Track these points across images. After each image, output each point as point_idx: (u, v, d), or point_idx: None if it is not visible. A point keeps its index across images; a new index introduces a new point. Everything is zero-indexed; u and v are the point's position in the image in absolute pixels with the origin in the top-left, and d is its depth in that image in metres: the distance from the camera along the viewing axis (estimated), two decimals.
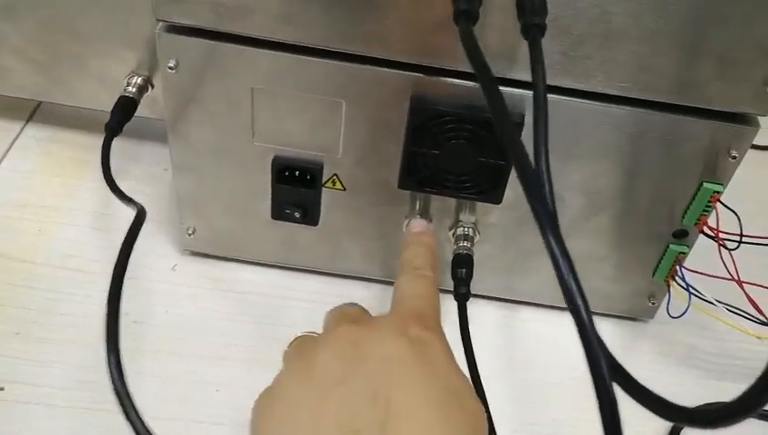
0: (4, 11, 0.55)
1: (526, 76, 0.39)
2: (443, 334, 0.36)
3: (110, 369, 0.37)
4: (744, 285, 0.47)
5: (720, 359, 0.55)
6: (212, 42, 0.43)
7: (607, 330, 0.56)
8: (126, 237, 0.46)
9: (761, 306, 0.49)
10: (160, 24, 0.43)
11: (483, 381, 0.47)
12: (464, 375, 0.34)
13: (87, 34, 0.56)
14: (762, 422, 0.51)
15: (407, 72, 0.43)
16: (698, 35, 0.40)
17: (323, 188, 0.49)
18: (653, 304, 0.55)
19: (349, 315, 0.37)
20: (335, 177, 0.48)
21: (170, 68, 0.44)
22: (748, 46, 0.40)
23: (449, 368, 0.34)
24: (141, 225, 0.48)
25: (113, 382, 0.37)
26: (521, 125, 0.43)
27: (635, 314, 0.56)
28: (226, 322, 0.52)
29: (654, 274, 0.53)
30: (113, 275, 0.42)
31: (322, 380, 0.31)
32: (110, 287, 0.41)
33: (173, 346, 0.51)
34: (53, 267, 0.54)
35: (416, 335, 0.34)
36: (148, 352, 0.50)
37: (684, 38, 0.40)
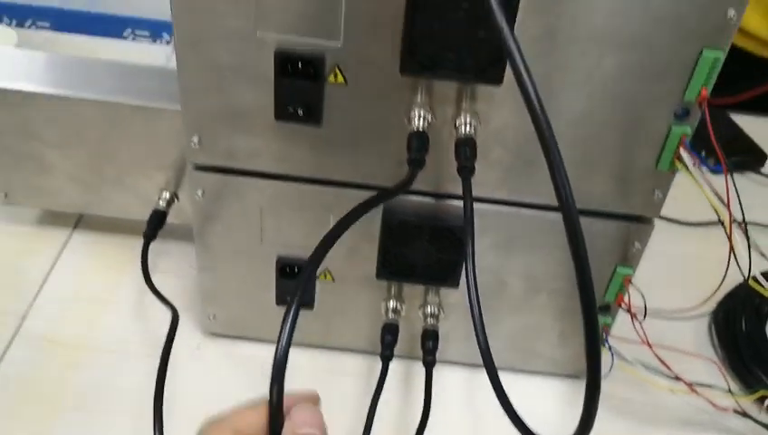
0: (58, 145, 0.69)
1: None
2: None
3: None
4: (653, 347, 0.60)
5: (649, 409, 0.67)
6: (228, 176, 0.56)
7: (553, 388, 0.68)
8: (166, 341, 0.59)
9: (669, 364, 0.61)
10: (191, 163, 0.56)
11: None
12: None
13: (124, 160, 0.70)
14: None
15: None
16: (597, 162, 0.54)
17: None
18: None
19: None
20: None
21: (198, 196, 0.57)
22: (635, 168, 0.54)
23: None
24: (176, 328, 0.61)
25: None
26: None
27: (577, 374, 0.68)
28: (243, 392, 0.64)
29: None
30: (158, 375, 0.55)
31: None
32: (156, 384, 0.54)
33: (198, 414, 0.63)
34: (101, 351, 0.67)
35: None
36: (176, 419, 0.62)
37: (589, 164, 0.54)
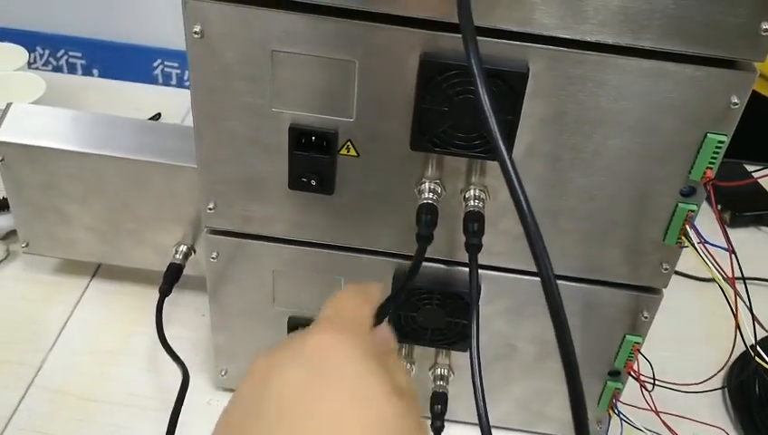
0: (79, 199, 0.71)
1: None
2: (353, 334, 0.35)
3: None
4: (661, 414, 0.60)
5: None
6: (243, 240, 0.58)
7: None
8: (176, 402, 0.61)
9: (679, 432, 0.61)
10: (206, 227, 0.58)
11: None
12: (372, 374, 0.33)
13: (143, 214, 0.71)
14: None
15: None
16: (607, 235, 0.54)
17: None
18: (600, 427, 0.67)
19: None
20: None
21: (213, 258, 0.59)
22: (643, 242, 0.54)
23: (349, 374, 0.33)
24: (187, 387, 0.63)
25: None
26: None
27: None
28: None
29: (598, 404, 0.65)
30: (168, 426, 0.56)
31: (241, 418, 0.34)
32: None
33: None
34: (112, 404, 0.68)
35: (313, 348, 0.34)
36: None
37: (599, 237, 0.54)
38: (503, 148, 0.35)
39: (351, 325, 0.37)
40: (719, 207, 0.95)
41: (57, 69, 2.60)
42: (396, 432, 0.32)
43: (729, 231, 0.94)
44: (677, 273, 0.70)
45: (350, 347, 0.34)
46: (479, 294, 0.57)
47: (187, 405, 0.68)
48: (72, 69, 2.64)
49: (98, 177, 0.69)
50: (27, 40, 2.64)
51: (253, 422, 0.32)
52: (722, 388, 0.74)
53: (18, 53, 0.95)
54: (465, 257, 0.55)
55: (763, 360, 0.53)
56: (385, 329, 0.41)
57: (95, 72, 2.60)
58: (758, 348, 0.52)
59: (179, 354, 0.68)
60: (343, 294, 0.41)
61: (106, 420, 0.66)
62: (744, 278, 0.51)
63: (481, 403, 0.45)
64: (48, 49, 2.65)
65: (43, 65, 2.61)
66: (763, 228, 0.96)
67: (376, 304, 0.41)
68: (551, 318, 0.37)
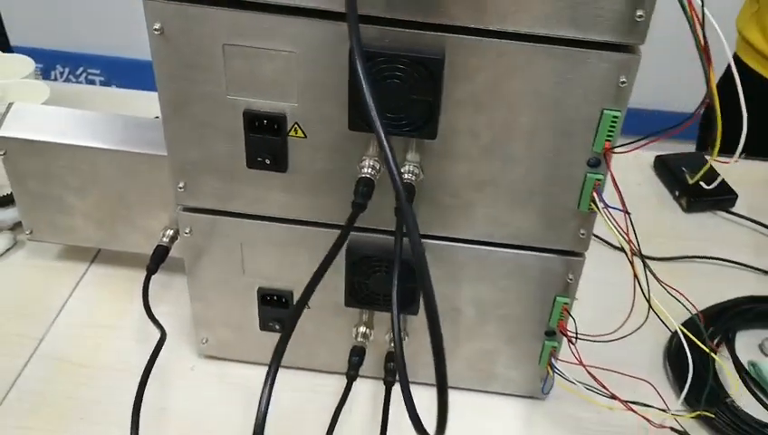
0: (76, 189, 0.79)
1: None
2: None
3: None
4: (588, 368, 0.67)
5: (598, 426, 0.74)
6: (212, 216, 0.66)
7: (511, 407, 0.75)
8: (150, 357, 0.70)
9: (608, 385, 0.68)
10: (179, 205, 0.65)
11: None
12: None
13: (133, 201, 0.79)
14: None
15: None
16: (529, 203, 0.62)
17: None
18: (544, 384, 0.74)
19: None
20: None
21: (186, 233, 0.67)
22: (561, 209, 0.61)
23: None
24: (162, 344, 0.72)
25: None
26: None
27: (532, 394, 0.75)
28: (231, 409, 0.73)
29: (539, 362, 0.72)
30: (138, 389, 0.67)
31: None
32: (135, 398, 0.65)
33: (191, 427, 0.71)
34: (107, 369, 0.76)
35: None
36: (171, 432, 0.70)
37: (522, 205, 0.62)
38: (377, 121, 0.42)
39: None
40: (676, 192, 1.02)
41: None
42: None
43: (687, 216, 1.02)
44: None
45: None
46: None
47: (173, 371, 0.76)
48: (90, 85, 2.75)
49: (91, 168, 0.77)
50: (48, 58, 2.76)
51: None
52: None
53: (25, 63, 1.04)
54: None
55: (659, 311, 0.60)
56: None
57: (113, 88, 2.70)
58: (654, 300, 0.59)
59: (168, 328, 0.76)
60: None
61: (100, 383, 0.74)
62: (636, 238, 0.57)
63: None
64: (68, 67, 2.77)
65: (64, 82, 2.73)
66: (719, 213, 1.02)
67: None
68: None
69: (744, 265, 0.94)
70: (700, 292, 0.85)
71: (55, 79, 2.72)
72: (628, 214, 0.56)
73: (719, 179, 0.54)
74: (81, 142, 0.76)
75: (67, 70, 2.80)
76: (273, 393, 0.72)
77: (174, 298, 0.83)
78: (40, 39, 2.54)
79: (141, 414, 0.68)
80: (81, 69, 2.79)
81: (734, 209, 1.02)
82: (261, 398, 0.51)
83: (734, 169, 1.04)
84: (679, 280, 0.64)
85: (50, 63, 2.73)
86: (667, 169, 1.07)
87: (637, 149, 0.56)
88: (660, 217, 1.01)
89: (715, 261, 0.94)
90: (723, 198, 1.03)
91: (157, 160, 0.76)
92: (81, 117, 0.79)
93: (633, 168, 1.09)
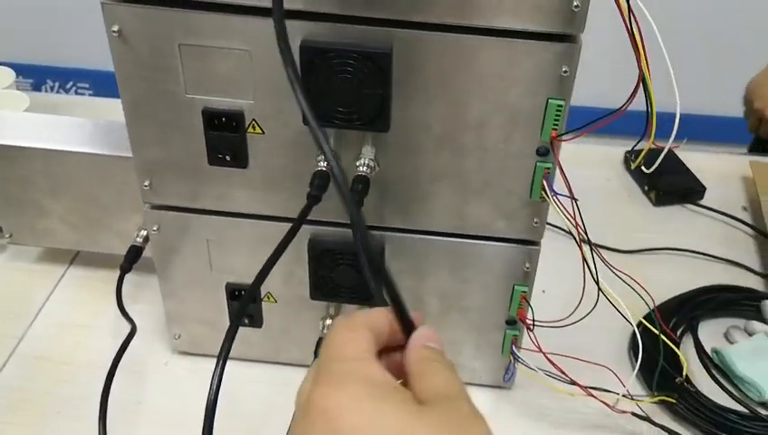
0: (52, 194, 0.81)
1: None
2: (355, 379, 0.37)
3: None
4: (548, 355, 0.68)
5: (562, 413, 0.75)
6: (177, 213, 0.68)
7: (476, 397, 0.76)
8: (118, 351, 0.72)
9: (567, 371, 0.69)
10: (146, 203, 0.68)
11: None
12: (384, 413, 0.36)
13: (107, 203, 0.81)
14: None
15: None
16: (483, 192, 0.63)
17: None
18: (506, 373, 0.76)
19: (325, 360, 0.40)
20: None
21: (154, 231, 0.69)
22: (514, 198, 0.63)
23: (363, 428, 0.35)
24: (132, 337, 0.74)
25: None
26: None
27: (497, 383, 0.77)
28: (203, 401, 0.74)
29: (503, 352, 0.74)
30: (105, 383, 0.69)
31: None
32: (102, 391, 0.69)
33: (165, 420, 0.73)
34: (85, 367, 0.77)
35: (317, 413, 0.37)
36: (145, 427, 0.72)
37: (476, 194, 0.63)
38: (309, 115, 0.44)
39: (352, 370, 0.38)
40: (645, 187, 1.04)
41: None
42: None
43: (656, 209, 1.04)
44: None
45: (354, 401, 0.36)
46: (383, 254, 0.67)
47: (148, 366, 0.78)
48: None
49: (66, 171, 0.80)
50: (37, 73, 2.78)
51: None
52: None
53: (5, 74, 1.07)
54: (371, 221, 0.64)
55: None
56: (413, 346, 0.42)
57: None
58: (607, 287, 0.61)
59: (142, 325, 0.79)
60: (334, 335, 0.41)
61: (78, 380, 0.76)
62: (583, 223, 0.59)
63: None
64: (58, 81, 2.80)
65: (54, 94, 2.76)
66: (688, 205, 1.04)
67: (372, 330, 0.41)
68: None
69: (711, 256, 0.96)
70: (667, 282, 0.88)
71: (45, 93, 2.74)
72: (576, 200, 0.58)
73: (657, 163, 0.56)
74: (54, 146, 0.79)
75: (57, 84, 2.83)
76: (244, 387, 0.75)
77: (149, 297, 0.84)
78: (30, 55, 2.57)
79: (116, 409, 0.70)
80: (70, 83, 2.82)
81: (702, 202, 1.04)
82: (210, 385, 0.53)
83: (701, 162, 1.08)
84: (646, 271, 0.66)
85: (40, 78, 2.76)
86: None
87: (580, 135, 0.58)
88: (629, 211, 1.03)
89: (682, 252, 0.96)
90: (691, 191, 1.05)
91: (128, 163, 0.77)
92: (54, 122, 0.81)
93: (603, 163, 1.11)
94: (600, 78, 1.65)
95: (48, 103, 1.13)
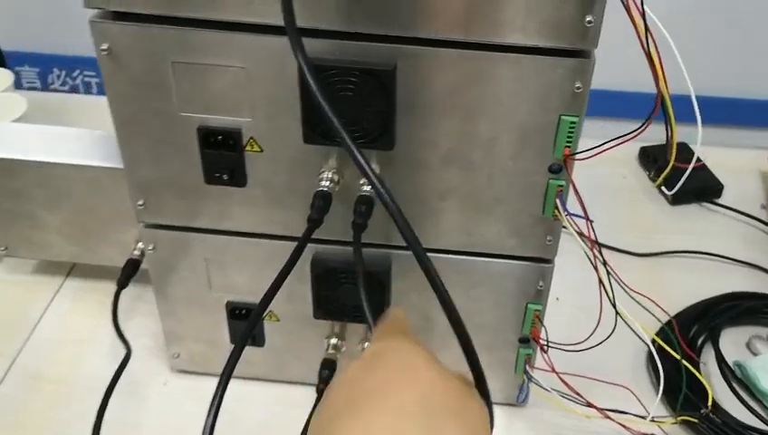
0: (48, 206, 0.78)
1: None
2: (402, 336, 0.49)
3: None
4: (562, 375, 0.65)
5: (578, 433, 0.72)
6: (174, 232, 0.65)
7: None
8: (113, 376, 0.70)
9: (582, 392, 0.66)
10: (141, 222, 0.65)
11: None
12: (419, 353, 0.47)
13: (105, 216, 0.79)
14: None
15: None
16: (496, 210, 0.60)
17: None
18: (520, 392, 0.73)
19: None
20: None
21: (150, 249, 0.66)
22: (528, 216, 0.60)
23: (405, 350, 0.47)
24: (127, 362, 0.71)
25: None
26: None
27: (510, 401, 0.74)
28: (203, 421, 0.72)
29: (516, 371, 0.71)
30: (100, 405, 0.67)
31: None
32: (97, 414, 0.66)
33: None
34: (81, 387, 0.75)
35: (376, 349, 0.46)
36: None
37: (488, 212, 0.60)
38: (344, 133, 0.41)
39: (400, 333, 0.50)
40: (651, 173, 1.00)
41: (73, 88, 2.70)
42: (441, 390, 0.43)
43: (673, 208, 1.00)
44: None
45: (403, 342, 0.48)
46: (389, 272, 0.64)
47: (146, 386, 0.75)
48: (87, 88, 2.75)
49: (61, 183, 0.77)
50: (43, 62, 2.76)
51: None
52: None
53: (4, 76, 1.04)
54: (372, 239, 0.62)
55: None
56: None
57: None
58: (622, 308, 0.57)
59: (140, 342, 0.76)
60: (386, 320, 0.53)
61: (74, 401, 0.74)
62: (599, 244, 0.56)
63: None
64: (65, 70, 2.76)
65: (61, 85, 2.72)
66: (705, 204, 1.01)
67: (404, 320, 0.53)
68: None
69: (731, 259, 0.92)
70: (685, 288, 0.85)
71: (52, 82, 2.71)
72: (591, 221, 0.55)
73: (680, 183, 0.53)
74: (49, 159, 0.76)
75: (64, 73, 2.80)
76: (245, 406, 0.72)
77: (148, 310, 0.81)
78: (37, 44, 2.53)
79: (114, 430, 0.68)
80: (77, 71, 2.79)
81: (719, 200, 1.00)
82: (210, 407, 0.51)
83: (717, 158, 1.04)
84: (663, 276, 0.63)
85: (47, 67, 2.72)
86: (651, 160, 1.05)
87: (598, 154, 0.54)
88: (645, 211, 1.00)
89: (700, 255, 0.93)
90: (709, 190, 1.01)
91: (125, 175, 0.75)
92: (49, 133, 0.79)
93: (618, 159, 1.07)
94: (610, 59, 1.61)
95: (48, 104, 1.10)
